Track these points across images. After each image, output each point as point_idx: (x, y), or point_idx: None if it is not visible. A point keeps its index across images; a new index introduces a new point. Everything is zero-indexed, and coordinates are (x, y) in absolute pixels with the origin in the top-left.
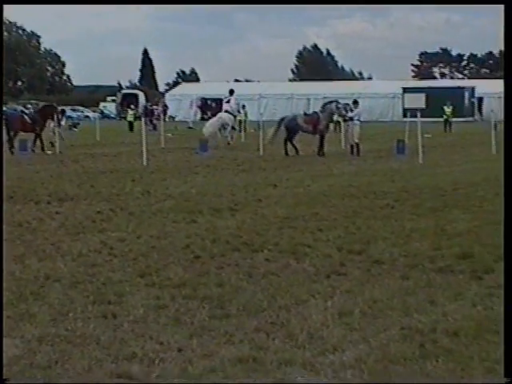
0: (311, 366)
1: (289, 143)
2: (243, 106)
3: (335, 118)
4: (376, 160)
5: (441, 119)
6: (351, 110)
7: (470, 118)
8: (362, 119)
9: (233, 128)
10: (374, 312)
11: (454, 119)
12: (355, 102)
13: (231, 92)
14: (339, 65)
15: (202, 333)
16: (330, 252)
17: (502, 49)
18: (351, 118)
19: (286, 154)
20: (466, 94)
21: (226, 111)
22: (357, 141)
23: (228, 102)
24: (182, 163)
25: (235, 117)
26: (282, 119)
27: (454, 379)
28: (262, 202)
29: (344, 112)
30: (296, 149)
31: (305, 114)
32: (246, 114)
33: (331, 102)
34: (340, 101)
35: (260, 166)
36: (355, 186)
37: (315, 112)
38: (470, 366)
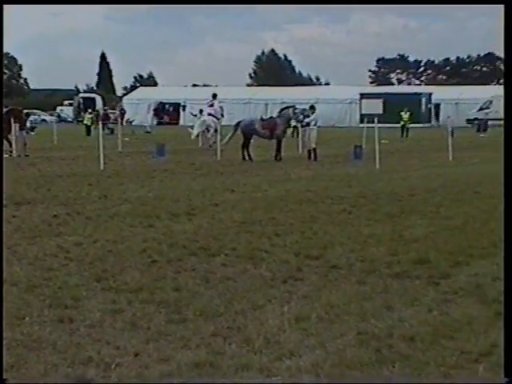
0: (268, 371)
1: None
2: (200, 111)
3: (292, 123)
4: (333, 165)
5: (398, 125)
6: (308, 116)
7: (427, 124)
8: (319, 124)
9: (215, 131)
10: (330, 317)
11: (411, 125)
12: (312, 108)
13: (214, 96)
14: (297, 70)
15: (159, 337)
16: (287, 257)
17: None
18: (308, 124)
19: (244, 158)
20: (423, 100)
21: (210, 114)
22: (314, 146)
23: (211, 105)
24: (139, 167)
25: (218, 119)
26: (239, 123)
27: (454, 379)
28: (220, 206)
29: (301, 117)
30: (250, 155)
31: (262, 118)
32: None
33: (288, 107)
34: (297, 106)
35: (217, 171)
36: (312, 190)
37: (272, 117)
38: (425, 371)
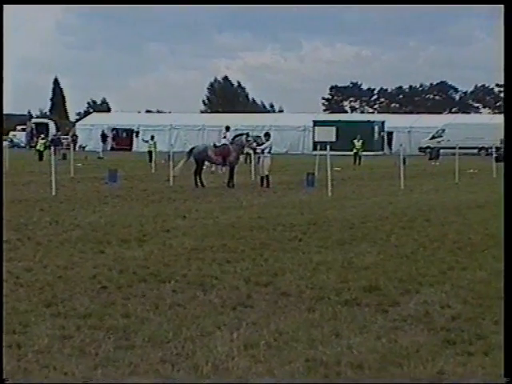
0: None
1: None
2: (152, 137)
3: (245, 149)
4: (286, 192)
5: (351, 153)
6: (262, 143)
7: (380, 152)
8: (272, 151)
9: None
10: (279, 344)
11: (364, 153)
12: (267, 135)
13: (227, 128)
14: (250, 97)
15: (107, 363)
16: (237, 284)
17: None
18: (262, 151)
19: (196, 185)
20: (376, 128)
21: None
22: (267, 173)
23: (224, 137)
24: (91, 193)
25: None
26: (191, 150)
27: (453, 379)
28: (171, 232)
29: (254, 144)
30: (202, 182)
31: (215, 145)
32: (154, 145)
33: (242, 134)
34: (251, 133)
35: (170, 197)
36: (264, 217)
37: (225, 144)
38: None
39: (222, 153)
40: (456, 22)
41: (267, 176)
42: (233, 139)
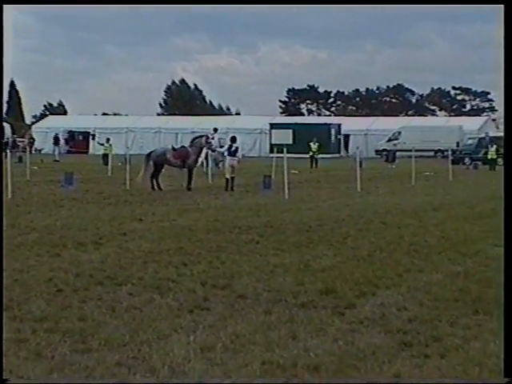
0: None
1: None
2: (107, 140)
3: (204, 152)
4: (242, 195)
5: (307, 155)
6: (222, 146)
7: (337, 155)
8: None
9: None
10: (236, 347)
11: (321, 155)
12: (233, 139)
13: (215, 130)
14: (207, 99)
15: (63, 367)
16: (193, 287)
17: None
18: (223, 153)
19: (153, 188)
20: (333, 131)
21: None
22: (228, 176)
23: (213, 138)
24: (47, 196)
25: (214, 151)
26: (150, 154)
27: (453, 379)
28: (127, 235)
29: (213, 147)
30: (159, 185)
31: (173, 148)
32: (110, 148)
33: (201, 136)
34: (210, 135)
35: (126, 200)
36: (221, 220)
37: (184, 146)
38: None
39: (181, 155)
40: (411, 26)
41: (232, 178)
42: (192, 141)
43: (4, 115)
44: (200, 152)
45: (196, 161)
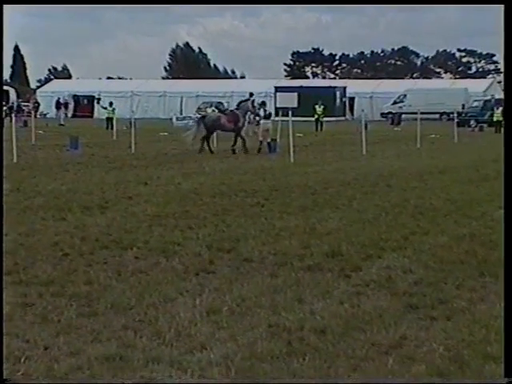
0: (178, 364)
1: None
2: (110, 103)
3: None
4: (248, 158)
5: (312, 119)
6: (264, 110)
7: (342, 118)
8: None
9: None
10: (242, 310)
11: (326, 119)
12: (263, 103)
13: (251, 94)
14: (212, 63)
15: (69, 331)
16: (199, 250)
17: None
18: (266, 117)
19: (201, 151)
20: (338, 94)
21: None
22: (269, 139)
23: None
24: (52, 160)
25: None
26: (203, 118)
27: (453, 379)
28: (133, 199)
29: (257, 110)
30: (210, 148)
31: (224, 112)
32: (113, 111)
33: (246, 100)
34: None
35: (131, 164)
36: (226, 184)
37: (232, 110)
38: (336, 363)
39: (234, 119)
40: None
41: (273, 140)
42: (238, 105)
43: (8, 80)
44: (245, 115)
45: (244, 124)
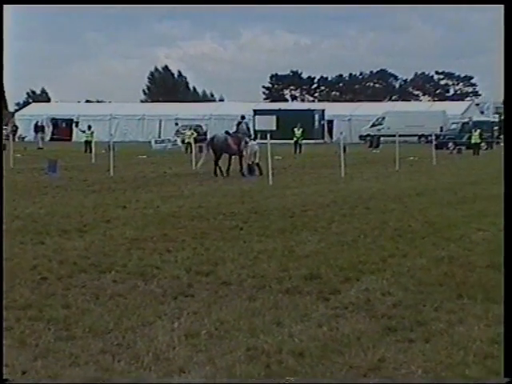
0: None
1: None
2: (89, 127)
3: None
4: (226, 181)
5: (291, 141)
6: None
7: (320, 140)
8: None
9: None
10: (220, 333)
11: (305, 141)
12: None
13: (243, 117)
14: (191, 86)
15: (47, 355)
16: (178, 273)
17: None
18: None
19: (216, 174)
20: (316, 117)
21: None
22: (258, 160)
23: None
24: (30, 184)
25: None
26: (212, 140)
27: (453, 379)
28: (111, 223)
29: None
30: (221, 170)
31: (229, 133)
32: (92, 134)
33: (240, 122)
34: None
35: (110, 187)
36: (205, 207)
37: (235, 132)
38: None
39: (237, 141)
40: (393, 10)
41: (258, 163)
42: (237, 127)
43: None
44: (245, 137)
45: (244, 146)
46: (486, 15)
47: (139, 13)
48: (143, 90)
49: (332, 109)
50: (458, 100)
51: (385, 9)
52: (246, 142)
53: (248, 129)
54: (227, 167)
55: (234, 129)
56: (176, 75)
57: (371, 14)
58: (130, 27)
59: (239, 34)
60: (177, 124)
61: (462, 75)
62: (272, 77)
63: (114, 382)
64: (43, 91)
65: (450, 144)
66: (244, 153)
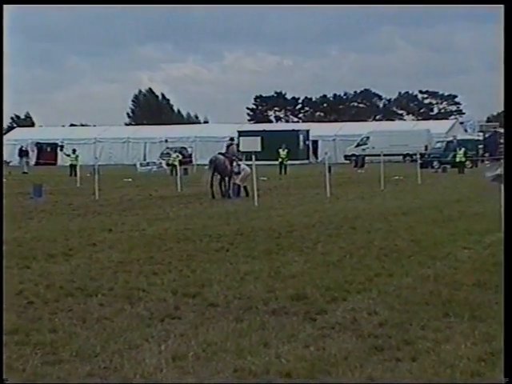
0: None
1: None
2: (73, 151)
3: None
4: (212, 203)
5: (276, 162)
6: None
7: (306, 161)
8: (198, 162)
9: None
10: (208, 355)
11: (290, 162)
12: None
13: (232, 139)
14: (175, 108)
15: (35, 379)
16: (164, 296)
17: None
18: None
19: (212, 195)
20: (301, 137)
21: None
22: (246, 184)
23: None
24: (16, 208)
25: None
26: (214, 162)
27: (453, 379)
28: (97, 246)
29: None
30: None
31: (223, 154)
32: (76, 158)
33: (231, 144)
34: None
35: (95, 211)
36: (191, 229)
37: (226, 154)
38: None
39: (229, 162)
40: (373, 30)
41: (245, 186)
42: (227, 148)
43: None
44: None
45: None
46: (468, 35)
47: (120, 36)
48: (127, 113)
49: (317, 129)
50: (442, 119)
51: (367, 29)
52: (239, 165)
53: (238, 151)
54: (226, 188)
55: (224, 150)
56: (160, 98)
57: (352, 35)
58: (110, 51)
59: (222, 56)
60: (166, 141)
61: (446, 94)
62: (256, 98)
63: None
64: (27, 116)
65: (435, 163)
66: (241, 175)
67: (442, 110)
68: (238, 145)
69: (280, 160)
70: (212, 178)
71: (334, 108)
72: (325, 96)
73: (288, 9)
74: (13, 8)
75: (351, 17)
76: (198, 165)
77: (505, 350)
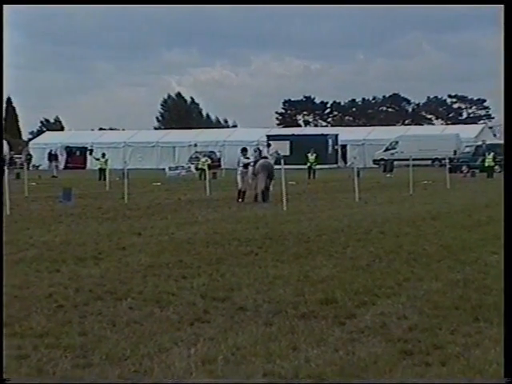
0: None
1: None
2: (103, 155)
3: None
4: (241, 207)
5: (305, 166)
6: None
7: (334, 165)
8: (227, 166)
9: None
10: (237, 359)
11: (318, 166)
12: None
13: (269, 145)
14: (204, 113)
15: (65, 382)
16: (193, 299)
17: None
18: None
19: (264, 200)
20: (330, 142)
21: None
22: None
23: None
24: (45, 212)
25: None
26: (267, 167)
27: (453, 379)
28: (126, 250)
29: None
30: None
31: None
32: (106, 162)
33: (269, 145)
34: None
35: (124, 215)
36: (219, 233)
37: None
38: None
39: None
40: (401, 35)
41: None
42: (259, 153)
43: None
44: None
45: None
46: (496, 38)
47: (147, 40)
48: (156, 117)
49: (345, 133)
50: (471, 123)
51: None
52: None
53: (278, 154)
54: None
55: (256, 154)
56: (189, 102)
57: (378, 40)
58: (137, 55)
59: (249, 60)
60: (196, 145)
61: (475, 98)
62: (285, 102)
63: None
64: (57, 120)
65: (464, 167)
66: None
67: (471, 115)
68: (259, 150)
69: (309, 164)
70: (266, 182)
71: (362, 112)
72: (353, 100)
73: (314, 13)
74: (40, 14)
75: (377, 22)
76: (226, 169)
77: (505, 350)
